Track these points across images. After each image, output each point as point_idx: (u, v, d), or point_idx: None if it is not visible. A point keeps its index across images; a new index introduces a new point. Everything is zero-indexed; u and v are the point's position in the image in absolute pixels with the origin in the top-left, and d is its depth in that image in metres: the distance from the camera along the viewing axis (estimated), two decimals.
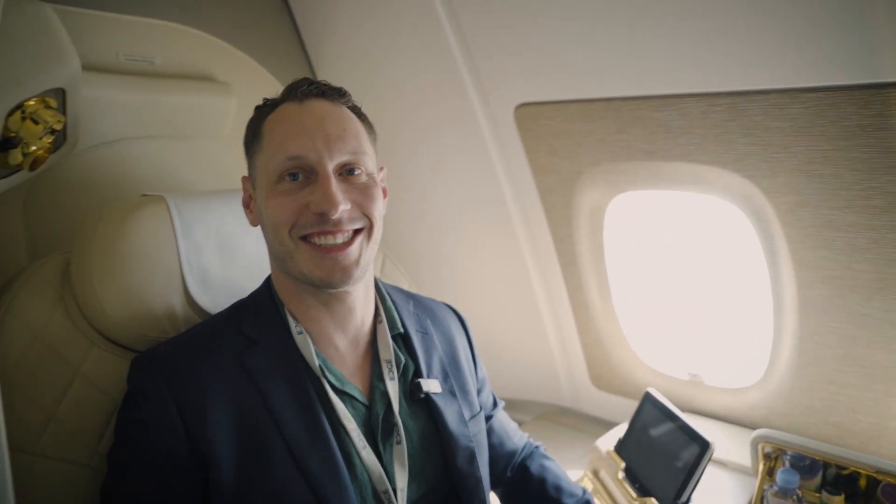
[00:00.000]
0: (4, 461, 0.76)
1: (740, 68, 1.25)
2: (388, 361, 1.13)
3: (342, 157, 1.02)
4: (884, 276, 1.31)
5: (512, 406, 2.33)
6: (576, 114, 1.53)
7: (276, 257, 1.08)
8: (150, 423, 0.98)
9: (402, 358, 1.17)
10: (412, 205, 2.04)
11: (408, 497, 1.07)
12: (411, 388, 1.14)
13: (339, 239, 1.02)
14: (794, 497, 1.39)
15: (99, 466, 1.09)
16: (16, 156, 0.99)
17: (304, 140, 1.01)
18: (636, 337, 1.88)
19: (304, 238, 1.02)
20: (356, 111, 1.11)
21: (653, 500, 1.44)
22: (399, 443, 1.07)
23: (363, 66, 1.87)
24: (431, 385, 1.15)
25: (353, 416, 1.05)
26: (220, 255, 1.26)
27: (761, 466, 1.46)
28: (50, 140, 1.02)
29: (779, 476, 1.40)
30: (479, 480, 1.12)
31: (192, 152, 1.64)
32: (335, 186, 1.00)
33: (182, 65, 1.64)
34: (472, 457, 1.13)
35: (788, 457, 1.46)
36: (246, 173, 1.13)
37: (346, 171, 1.04)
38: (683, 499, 1.40)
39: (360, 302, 1.12)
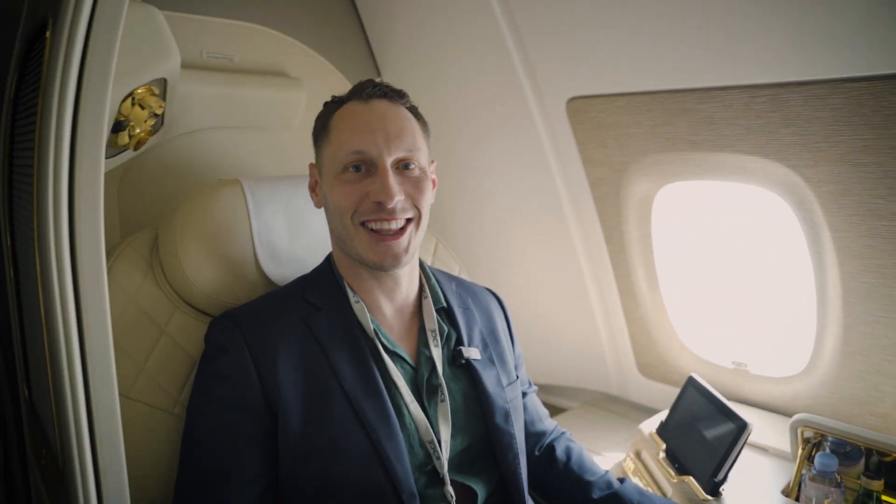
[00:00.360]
0: (115, 403, 0.91)
1: (781, 60, 1.29)
2: (433, 331, 1.25)
3: (399, 154, 1.15)
4: None
5: (561, 393, 2.39)
6: (624, 106, 1.59)
7: (338, 238, 1.22)
8: (229, 373, 1.12)
9: (446, 328, 1.29)
10: (470, 195, 2.13)
11: (451, 449, 1.18)
12: (453, 355, 1.26)
13: (394, 225, 1.15)
14: (833, 481, 1.41)
15: (180, 414, 1.24)
16: (123, 137, 1.17)
17: (367, 136, 1.13)
18: (682, 326, 1.92)
19: (363, 224, 1.15)
20: (413, 111, 1.23)
21: (690, 478, 1.49)
22: (443, 401, 1.19)
23: (425, 64, 1.98)
24: (472, 353, 1.27)
25: (401, 374, 1.18)
26: (287, 233, 1.39)
27: (800, 451, 1.49)
28: (152, 123, 1.18)
29: (817, 460, 1.42)
30: (512, 437, 1.23)
31: (264, 142, 1.79)
32: (392, 179, 1.13)
33: (258, 61, 1.79)
34: (507, 416, 1.24)
35: (829, 443, 1.48)
36: (313, 161, 1.27)
37: (402, 166, 1.17)
38: (720, 477, 1.44)
39: (406, 278, 1.26)
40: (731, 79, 1.38)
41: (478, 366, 1.27)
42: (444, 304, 1.32)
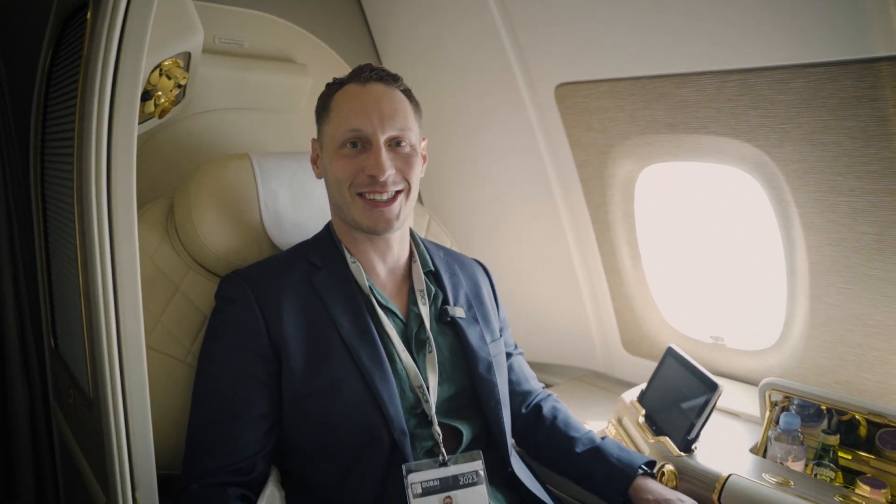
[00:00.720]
0: (142, 351, 1.03)
1: (750, 46, 1.40)
2: (421, 291, 1.39)
3: (391, 132, 1.29)
4: (882, 237, 1.43)
5: (550, 371, 2.49)
6: (607, 92, 1.71)
7: (336, 205, 1.35)
8: (238, 322, 1.25)
9: (433, 289, 1.43)
10: (465, 178, 2.25)
11: (439, 396, 1.31)
12: (440, 312, 1.40)
13: (385, 196, 1.29)
14: (797, 439, 1.52)
15: (192, 364, 1.36)
16: (149, 106, 1.31)
17: (363, 116, 1.27)
18: (664, 302, 2.03)
19: (360, 194, 1.29)
20: (407, 93, 1.36)
21: (666, 438, 1.59)
22: (430, 352, 1.33)
23: (423, 54, 2.10)
24: (457, 311, 1.41)
25: (394, 327, 1.31)
26: (291, 202, 1.51)
27: (768, 413, 1.60)
28: (176, 93, 1.32)
29: (781, 419, 1.53)
30: (494, 385, 1.36)
31: (271, 123, 1.91)
32: (384, 155, 1.27)
33: (266, 48, 1.91)
34: (489, 367, 1.37)
35: (795, 406, 1.59)
36: (315, 137, 1.40)
37: (394, 143, 1.30)
38: (692, 435, 1.54)
39: (397, 242, 1.40)
40: (705, 65, 1.49)
41: (462, 323, 1.40)
42: (432, 268, 1.46)
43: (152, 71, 1.25)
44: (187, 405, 1.28)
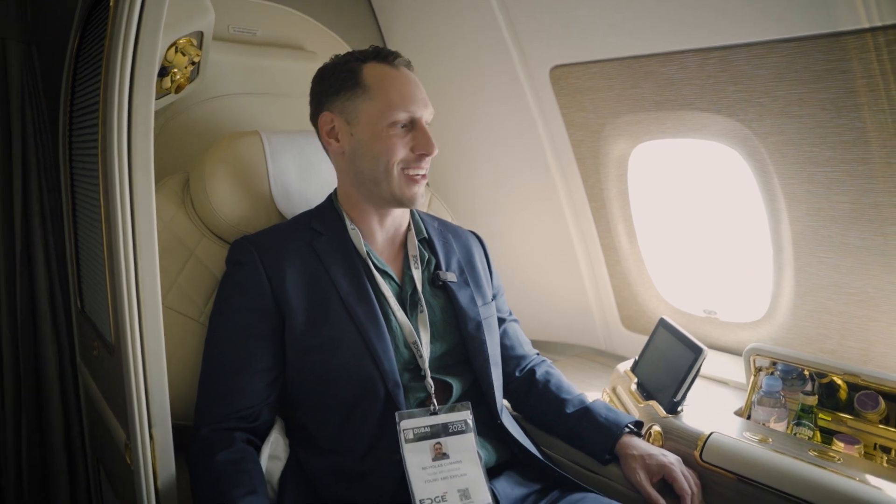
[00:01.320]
0: (158, 299, 1.15)
1: (727, 24, 1.48)
2: (415, 256, 1.50)
3: (428, 115, 1.42)
4: (857, 206, 1.49)
5: (551, 349, 2.56)
6: (598, 72, 1.79)
7: (367, 179, 1.41)
8: (246, 283, 1.36)
9: (426, 255, 1.53)
10: (466, 159, 2.34)
11: (431, 353, 1.41)
12: (433, 277, 1.50)
13: (424, 171, 1.42)
14: (779, 402, 1.60)
15: (204, 323, 1.48)
16: (166, 82, 1.44)
17: (412, 101, 1.38)
18: (660, 278, 2.10)
19: (404, 170, 1.39)
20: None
21: (654, 401, 1.67)
22: (422, 311, 1.43)
23: (427, 40, 2.20)
24: (449, 276, 1.51)
25: (389, 289, 1.41)
26: (298, 175, 1.62)
27: (752, 377, 1.67)
28: (190, 70, 1.44)
29: (764, 382, 1.60)
30: (483, 343, 1.46)
31: (282, 106, 2.02)
32: (430, 135, 1.40)
33: (278, 36, 2.02)
34: (478, 326, 1.47)
35: (779, 371, 1.66)
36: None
37: (426, 124, 1.42)
38: (678, 397, 1.61)
39: (398, 213, 1.50)
40: (686, 43, 1.57)
41: (453, 286, 1.51)
42: (426, 236, 1.56)
43: (168, 48, 1.37)
44: (199, 361, 1.40)
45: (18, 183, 1.55)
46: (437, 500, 1.26)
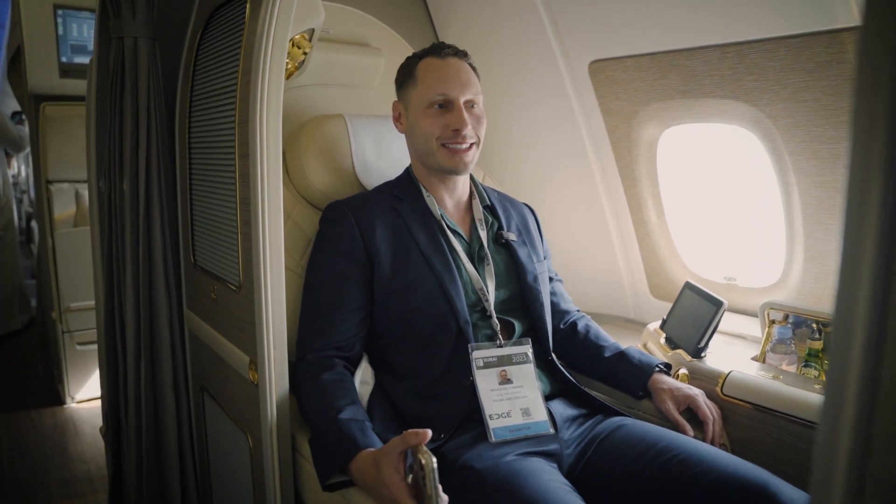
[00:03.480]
0: (282, 256, 1.44)
1: (742, 24, 1.73)
2: (480, 220, 1.74)
3: (467, 96, 1.63)
4: None
5: None
6: (632, 65, 2.05)
7: (421, 154, 1.70)
8: (341, 236, 1.64)
9: (490, 218, 1.77)
10: (513, 143, 2.60)
11: (496, 298, 1.67)
12: (496, 236, 1.75)
13: (463, 146, 1.63)
14: (789, 349, 1.84)
15: (299, 273, 1.76)
16: None
17: (447, 84, 1.61)
18: (685, 249, 2.36)
19: (443, 144, 1.63)
20: (473, 67, 1.71)
21: (680, 350, 1.93)
22: (488, 265, 1.67)
23: (477, 37, 2.47)
24: (510, 235, 1.76)
25: (459, 245, 1.68)
26: (375, 153, 1.91)
27: (767, 329, 1.92)
28: (301, 60, 1.72)
29: (776, 330, 1.86)
30: (539, 291, 1.72)
31: (353, 96, 2.31)
32: (465, 114, 1.61)
33: (348, 34, 2.30)
34: (535, 278, 1.73)
35: (791, 323, 1.90)
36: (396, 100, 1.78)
37: (469, 105, 1.64)
38: (702, 344, 1.85)
39: (462, 181, 1.77)
40: (708, 39, 1.82)
41: (514, 244, 1.75)
42: (489, 203, 1.80)
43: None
44: (296, 302, 1.68)
45: (143, 161, 1.84)
46: (503, 415, 1.52)
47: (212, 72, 1.64)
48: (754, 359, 1.91)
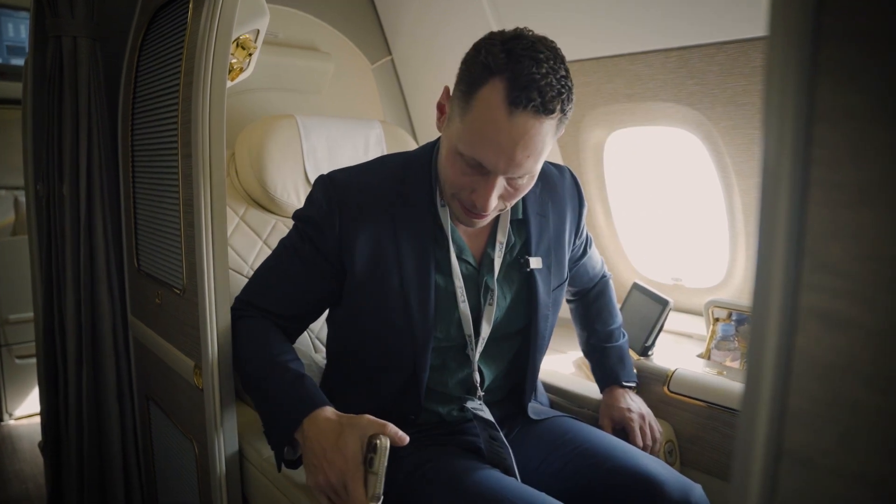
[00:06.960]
0: (226, 258, 1.40)
1: (684, 28, 1.78)
2: (501, 243, 1.38)
3: (513, 174, 1.16)
4: None
5: None
6: (577, 70, 2.09)
7: (440, 177, 1.29)
8: (318, 221, 1.32)
9: (514, 239, 1.40)
10: None
11: (489, 334, 1.38)
12: (520, 263, 1.41)
13: (480, 219, 1.26)
14: (732, 345, 1.90)
15: (247, 276, 1.72)
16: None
17: (493, 155, 1.13)
18: (632, 251, 2.41)
19: (461, 201, 1.24)
20: (562, 107, 1.14)
21: (630, 350, 1.96)
22: (490, 304, 1.36)
23: (425, 39, 2.48)
24: (535, 263, 1.40)
25: (463, 273, 1.35)
26: (328, 154, 1.90)
27: (711, 326, 1.97)
28: (244, 61, 1.70)
29: (719, 328, 1.91)
30: (543, 339, 1.46)
31: (300, 101, 2.30)
32: (494, 194, 1.18)
33: (296, 38, 2.29)
34: (546, 318, 1.45)
35: (734, 320, 1.96)
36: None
37: (513, 177, 1.19)
38: (648, 342, 1.90)
39: None
40: (651, 44, 1.87)
41: (538, 275, 1.41)
42: (521, 216, 1.41)
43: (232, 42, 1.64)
44: None
45: (84, 164, 1.79)
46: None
47: (155, 72, 1.61)
48: (700, 356, 1.96)
